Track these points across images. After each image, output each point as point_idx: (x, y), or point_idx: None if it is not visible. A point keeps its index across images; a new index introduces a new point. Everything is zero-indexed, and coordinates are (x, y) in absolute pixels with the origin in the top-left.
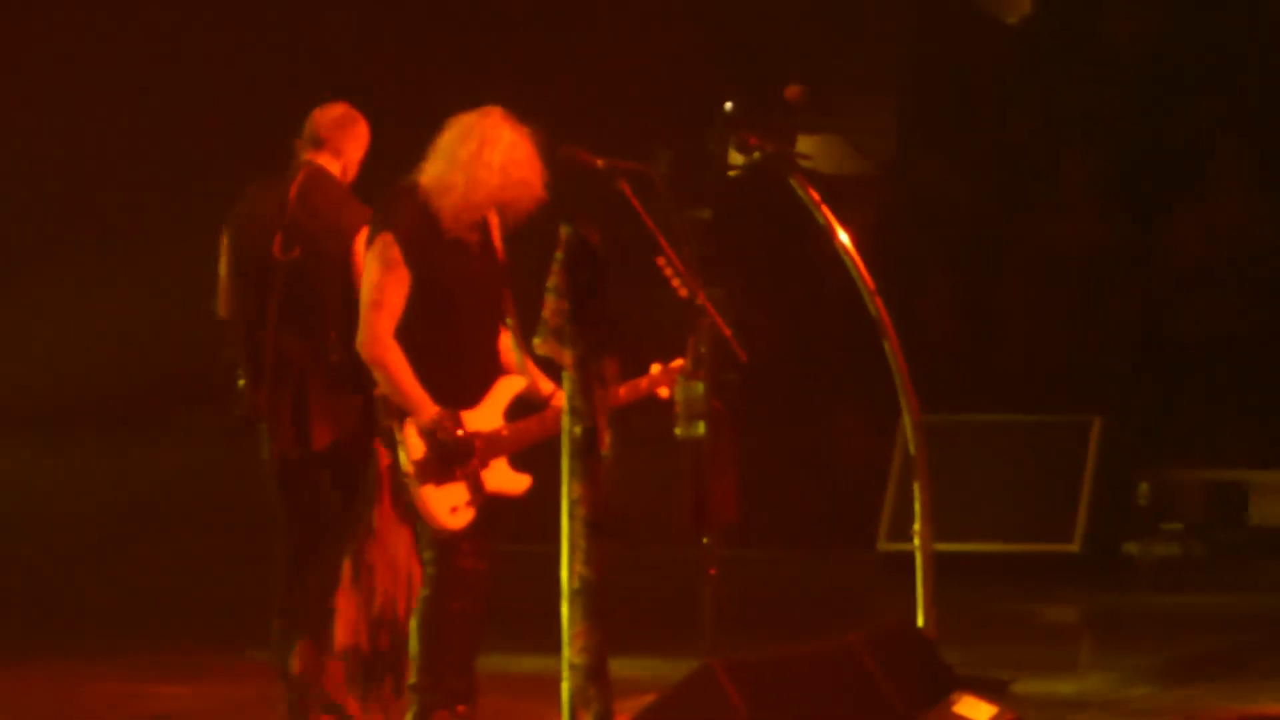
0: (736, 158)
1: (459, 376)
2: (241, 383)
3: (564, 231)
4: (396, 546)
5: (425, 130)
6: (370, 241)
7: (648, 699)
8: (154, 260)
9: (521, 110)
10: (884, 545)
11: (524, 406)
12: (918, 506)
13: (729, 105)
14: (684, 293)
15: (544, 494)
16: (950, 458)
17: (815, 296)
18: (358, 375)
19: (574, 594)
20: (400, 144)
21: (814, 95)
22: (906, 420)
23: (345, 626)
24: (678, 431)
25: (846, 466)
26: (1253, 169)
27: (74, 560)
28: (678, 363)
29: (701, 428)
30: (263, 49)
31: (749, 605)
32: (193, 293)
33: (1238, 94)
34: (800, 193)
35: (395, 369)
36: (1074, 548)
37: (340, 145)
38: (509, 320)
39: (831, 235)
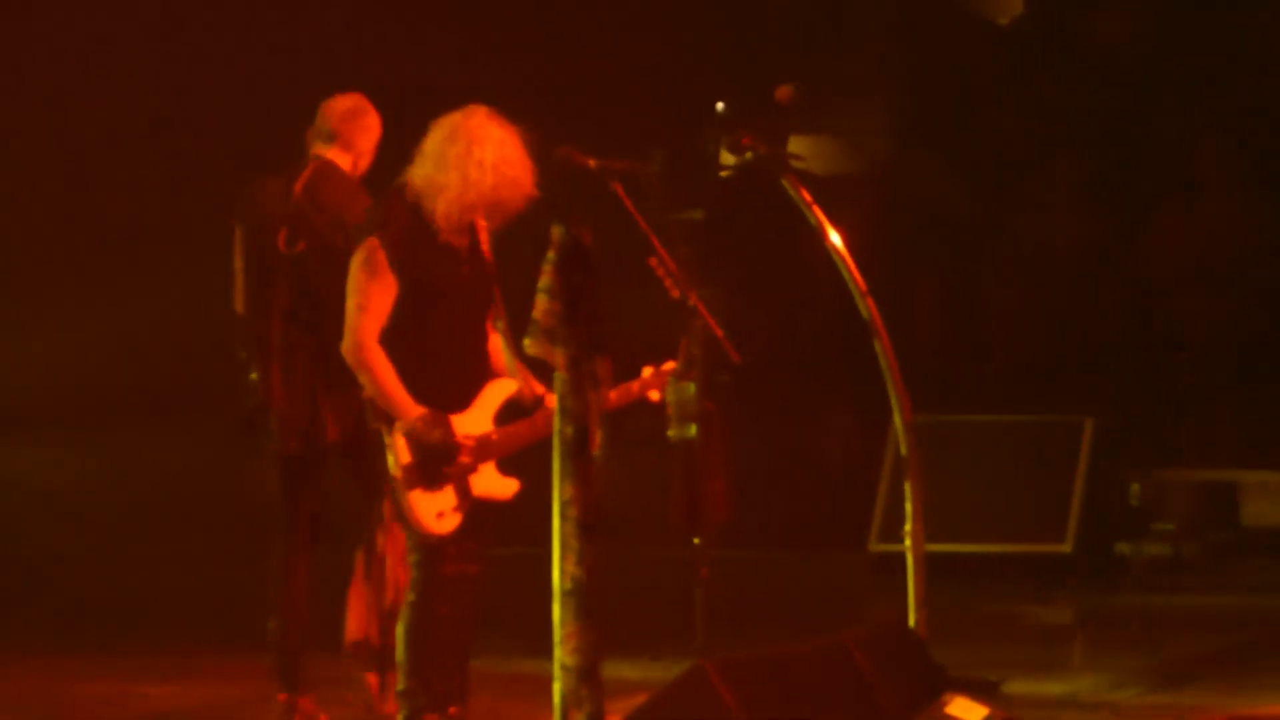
0: (729, 158)
1: (448, 380)
2: (254, 375)
3: (556, 232)
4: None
5: (419, 130)
6: (357, 245)
7: (639, 699)
8: (154, 262)
9: (515, 110)
10: (876, 546)
11: (514, 410)
12: (909, 507)
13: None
14: (676, 293)
15: (536, 496)
16: (942, 458)
17: (807, 297)
18: None
19: (566, 595)
20: (392, 143)
21: (806, 96)
22: (898, 421)
23: (356, 621)
24: (670, 432)
25: (838, 467)
26: (1243, 169)
27: (70, 560)
28: (669, 365)
29: (694, 429)
30: (266, 50)
31: (741, 606)
32: (191, 294)
33: (1228, 94)
34: (792, 193)
35: (379, 372)
36: (1066, 548)
37: (351, 138)
38: (499, 323)
39: (823, 236)
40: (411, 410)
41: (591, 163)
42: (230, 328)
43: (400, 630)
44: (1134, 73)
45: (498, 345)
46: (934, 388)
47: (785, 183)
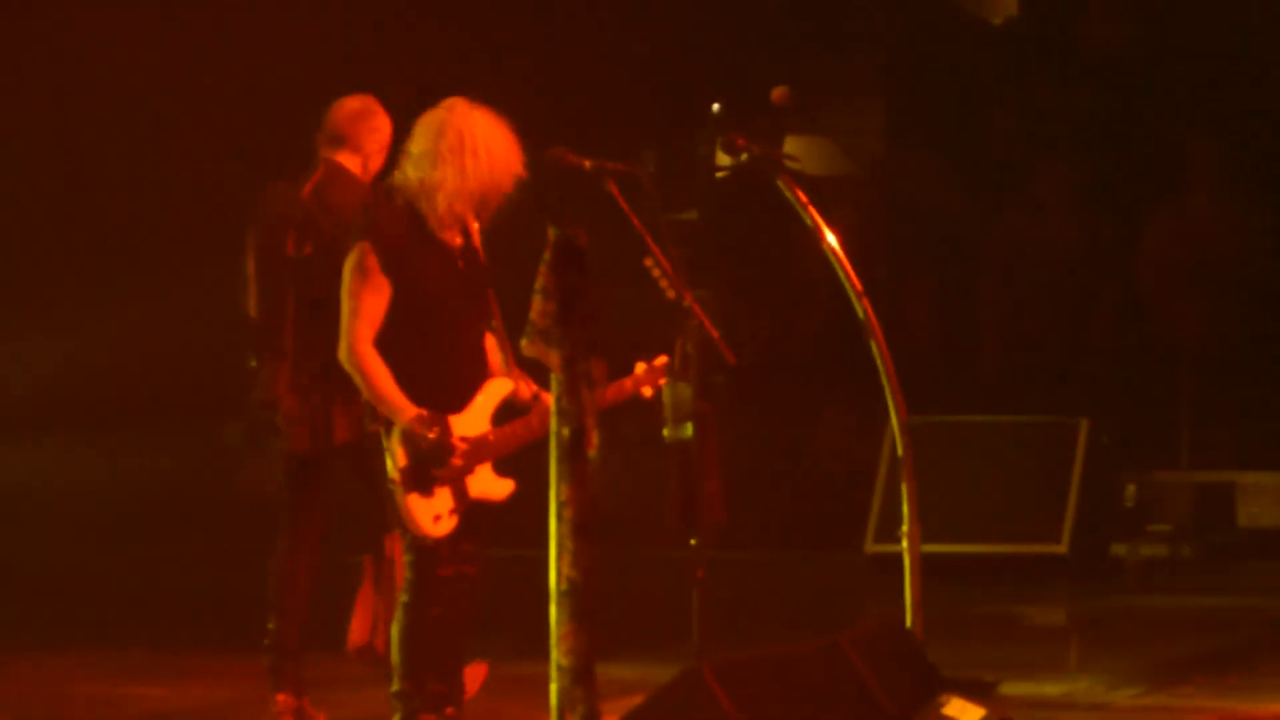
0: (724, 159)
1: (446, 380)
2: (261, 375)
3: (552, 233)
4: None
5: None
6: (349, 250)
7: (636, 700)
8: (154, 265)
9: (513, 111)
10: (872, 547)
11: (509, 410)
12: (905, 508)
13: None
14: (671, 294)
15: (533, 497)
16: (938, 459)
17: (803, 299)
18: None
19: (561, 596)
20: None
21: (801, 97)
22: (894, 422)
23: (360, 626)
24: (665, 433)
25: (834, 468)
26: (1238, 171)
27: (67, 560)
28: (661, 360)
29: (689, 429)
30: (274, 51)
31: (737, 607)
32: (192, 297)
33: (1223, 96)
34: (788, 194)
35: (373, 375)
36: (1061, 549)
37: (359, 140)
38: (494, 323)
39: (819, 237)
40: (408, 410)
41: (586, 163)
42: (240, 331)
43: (394, 632)
44: (1128, 74)
45: (492, 344)
46: (930, 388)
47: (780, 184)
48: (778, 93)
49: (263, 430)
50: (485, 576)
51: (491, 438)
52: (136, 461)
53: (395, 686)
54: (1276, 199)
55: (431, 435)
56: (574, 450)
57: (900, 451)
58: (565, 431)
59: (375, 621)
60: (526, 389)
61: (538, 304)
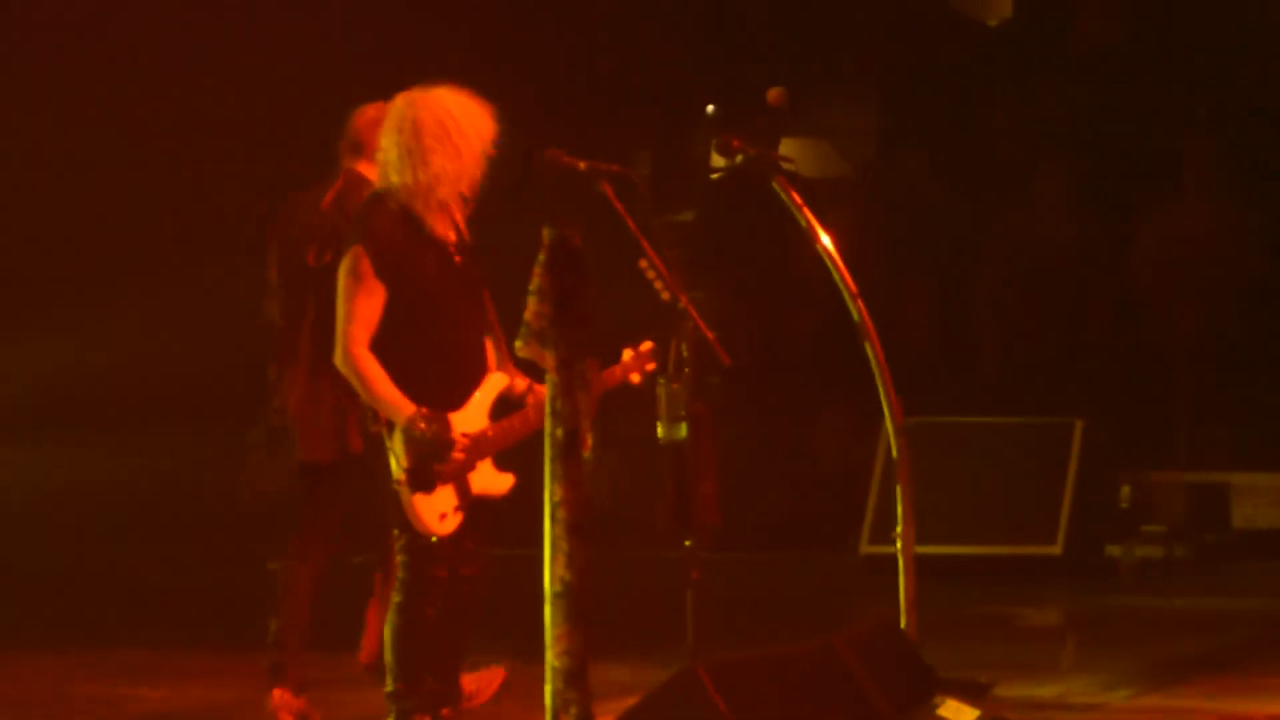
0: (719, 160)
1: (446, 378)
2: (282, 380)
3: (546, 234)
4: None
5: None
6: (343, 254)
7: (630, 701)
8: (157, 268)
9: (512, 111)
10: (866, 548)
11: (503, 405)
12: (900, 509)
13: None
14: (667, 296)
15: (529, 498)
16: (932, 460)
17: (798, 300)
18: None
19: (556, 597)
20: None
21: (796, 99)
22: (889, 423)
23: (372, 640)
24: (660, 434)
25: (829, 469)
26: (1232, 171)
27: (67, 561)
28: (646, 345)
29: (684, 430)
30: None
31: (731, 608)
32: (193, 299)
33: (1218, 96)
34: (782, 196)
35: (370, 377)
36: (1056, 550)
37: (377, 147)
38: (488, 317)
39: (814, 238)
40: (407, 409)
41: (581, 165)
42: (258, 337)
43: (387, 632)
44: (1123, 75)
45: (486, 341)
46: (924, 390)
47: (776, 185)
48: (773, 94)
49: (281, 436)
50: (486, 576)
51: (490, 433)
52: (137, 462)
53: (389, 687)
54: (1272, 198)
55: (433, 432)
56: (568, 451)
57: (895, 452)
58: (559, 432)
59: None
60: (519, 382)
61: (533, 305)
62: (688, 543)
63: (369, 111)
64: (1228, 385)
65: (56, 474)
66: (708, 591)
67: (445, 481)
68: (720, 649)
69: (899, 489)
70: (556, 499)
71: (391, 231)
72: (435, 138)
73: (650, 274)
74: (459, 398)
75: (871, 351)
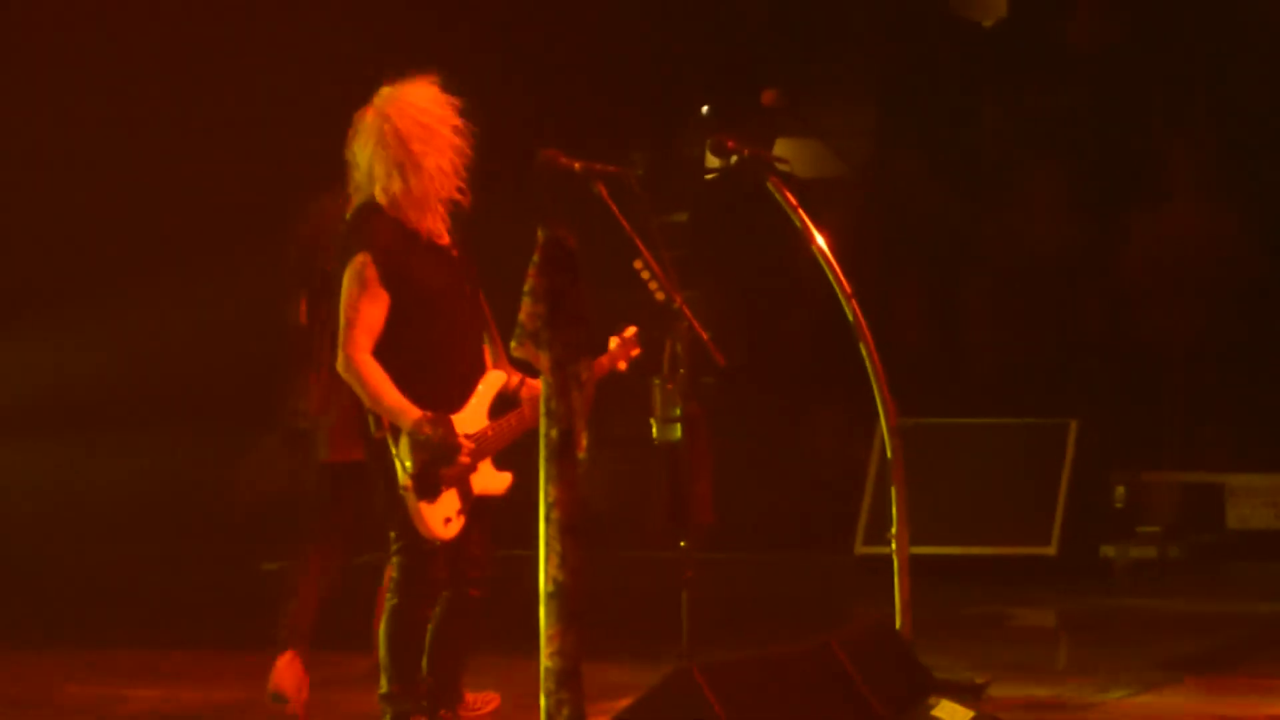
0: (713, 161)
1: (449, 380)
2: (301, 383)
3: (541, 235)
4: None
5: None
6: (346, 262)
7: (625, 702)
8: (157, 269)
9: (509, 112)
10: (861, 548)
11: (499, 402)
12: (895, 510)
13: (706, 109)
14: (661, 296)
15: (526, 498)
16: (927, 461)
17: (792, 300)
18: None
19: (549, 597)
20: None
21: (790, 99)
22: (883, 424)
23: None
24: (654, 434)
25: (824, 470)
26: (1225, 172)
27: (63, 561)
28: (630, 331)
29: (678, 431)
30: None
31: (726, 608)
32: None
33: (1210, 98)
34: (777, 196)
35: (373, 383)
36: (1051, 551)
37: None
38: (485, 318)
39: (809, 239)
40: (412, 413)
41: (576, 165)
42: (281, 340)
43: (381, 633)
44: (1117, 76)
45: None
46: (919, 391)
47: (770, 186)
48: (768, 95)
49: (298, 438)
50: (493, 583)
51: (490, 432)
52: (136, 462)
53: (383, 689)
54: (1265, 198)
55: (438, 436)
56: (562, 452)
57: (890, 453)
58: (554, 433)
59: None
60: (513, 378)
61: (527, 306)
62: (682, 543)
63: None
64: (1222, 385)
65: (56, 474)
66: (702, 592)
67: (450, 485)
68: (715, 649)
69: (894, 489)
70: (551, 499)
71: (392, 239)
72: (422, 140)
73: (645, 274)
74: (459, 399)
75: (866, 352)
